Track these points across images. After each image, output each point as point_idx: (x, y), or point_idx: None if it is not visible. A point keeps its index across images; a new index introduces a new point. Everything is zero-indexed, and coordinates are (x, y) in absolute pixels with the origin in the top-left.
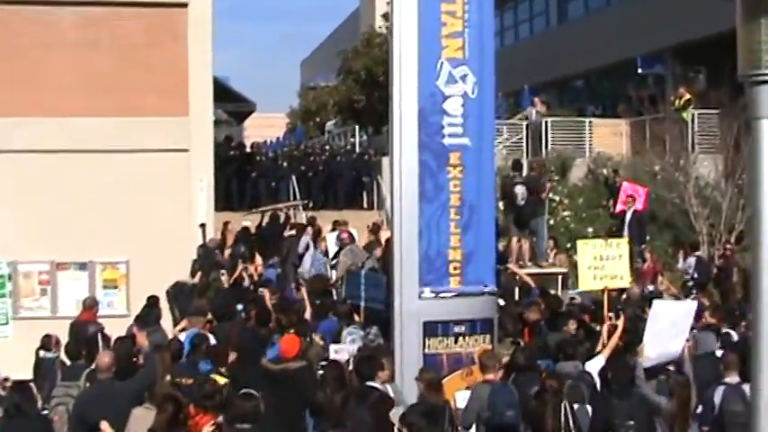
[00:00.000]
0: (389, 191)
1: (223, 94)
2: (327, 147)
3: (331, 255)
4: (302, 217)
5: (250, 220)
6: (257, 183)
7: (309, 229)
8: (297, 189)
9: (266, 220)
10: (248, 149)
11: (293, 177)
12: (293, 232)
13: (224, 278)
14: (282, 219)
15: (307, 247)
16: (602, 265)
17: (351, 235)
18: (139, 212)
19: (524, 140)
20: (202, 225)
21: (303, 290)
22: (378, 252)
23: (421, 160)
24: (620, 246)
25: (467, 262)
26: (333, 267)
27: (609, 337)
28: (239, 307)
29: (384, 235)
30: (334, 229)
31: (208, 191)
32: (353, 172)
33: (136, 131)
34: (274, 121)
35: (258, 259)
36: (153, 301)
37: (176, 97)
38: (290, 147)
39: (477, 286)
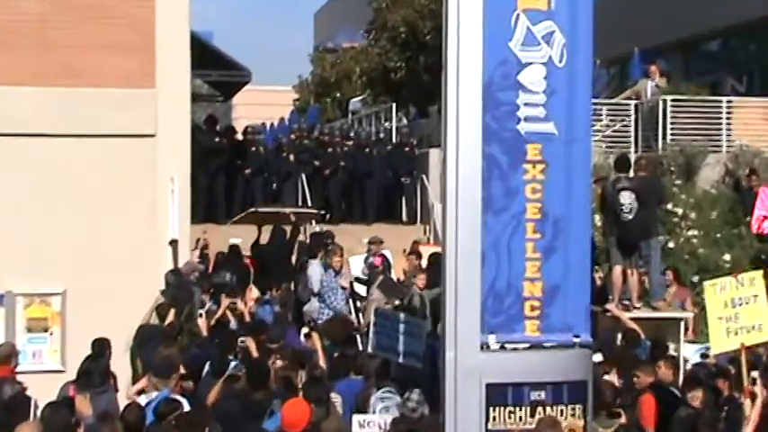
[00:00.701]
0: (439, 197)
1: (205, 57)
2: (352, 134)
3: (357, 286)
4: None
5: (240, 237)
6: (252, 183)
7: (335, 257)
8: (308, 193)
9: (266, 236)
10: (239, 136)
11: (303, 176)
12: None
13: (201, 321)
14: (288, 233)
15: (322, 279)
16: (735, 313)
17: (385, 259)
18: (82, 224)
19: (633, 128)
20: (173, 242)
21: (315, 336)
22: (419, 281)
23: (486, 154)
24: (755, 282)
25: (550, 300)
26: (355, 304)
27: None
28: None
29: (427, 252)
30: (368, 251)
31: (181, 194)
32: (389, 170)
33: (77, 108)
34: (277, 97)
35: (253, 291)
36: (100, 350)
37: (137, 60)
38: (299, 133)
39: (565, 335)
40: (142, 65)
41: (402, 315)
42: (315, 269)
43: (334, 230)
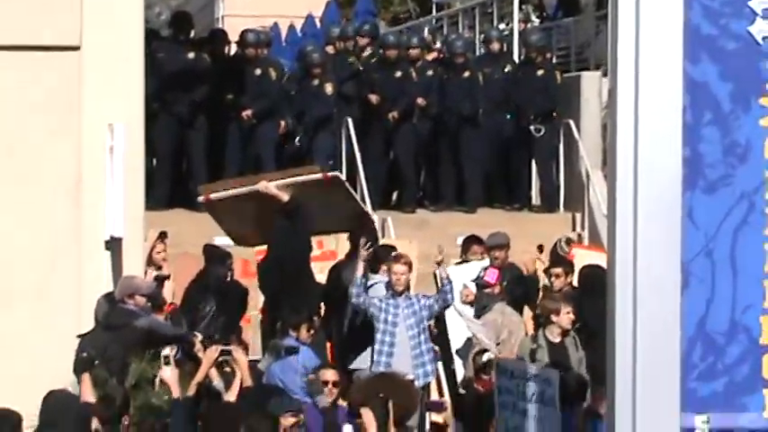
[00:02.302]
0: (602, 161)
1: None
2: (438, 44)
3: (452, 327)
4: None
5: (234, 233)
6: (255, 135)
7: (397, 266)
8: (358, 153)
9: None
10: (232, 48)
11: (348, 122)
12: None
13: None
14: (296, 225)
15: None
16: None
17: (511, 273)
18: None
19: None
20: (113, 242)
21: (366, 414)
22: (560, 317)
23: (690, 81)
24: None
25: None
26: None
27: None
28: None
29: (580, 260)
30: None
31: (129, 156)
32: (506, 112)
33: None
34: None
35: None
36: None
37: None
38: (342, 43)
39: None
40: None
41: (532, 368)
42: (380, 293)
43: (407, 220)
